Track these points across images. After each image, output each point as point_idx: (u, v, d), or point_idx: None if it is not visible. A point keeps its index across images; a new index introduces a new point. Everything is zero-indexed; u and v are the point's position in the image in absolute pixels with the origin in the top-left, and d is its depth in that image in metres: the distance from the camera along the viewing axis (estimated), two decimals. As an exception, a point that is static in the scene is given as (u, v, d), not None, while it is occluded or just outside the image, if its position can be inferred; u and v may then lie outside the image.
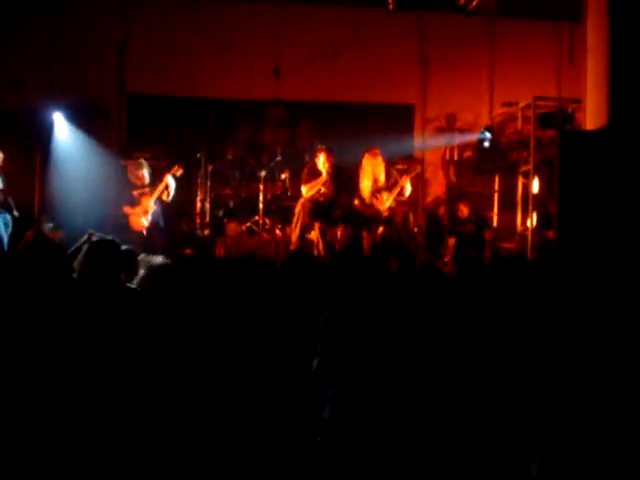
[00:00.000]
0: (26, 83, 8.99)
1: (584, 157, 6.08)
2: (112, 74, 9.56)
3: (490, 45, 9.92)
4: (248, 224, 8.63)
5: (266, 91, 9.76)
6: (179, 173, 7.86)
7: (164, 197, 7.73)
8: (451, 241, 8.65)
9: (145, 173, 7.78)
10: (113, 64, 9.56)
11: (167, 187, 7.70)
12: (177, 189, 7.86)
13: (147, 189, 7.77)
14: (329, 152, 7.86)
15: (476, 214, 8.86)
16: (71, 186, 8.51)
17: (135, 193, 7.76)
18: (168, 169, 7.82)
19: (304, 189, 7.86)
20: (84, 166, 8.65)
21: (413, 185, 8.08)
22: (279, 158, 8.99)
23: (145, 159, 8.19)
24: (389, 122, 9.73)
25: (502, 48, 9.85)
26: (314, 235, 7.69)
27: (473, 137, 9.48)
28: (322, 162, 7.80)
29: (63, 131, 8.85)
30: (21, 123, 8.47)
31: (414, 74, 9.98)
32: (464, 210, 8.71)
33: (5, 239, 7.22)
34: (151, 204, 7.66)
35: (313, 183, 7.82)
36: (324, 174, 7.77)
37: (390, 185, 7.83)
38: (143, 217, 7.63)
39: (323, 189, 7.79)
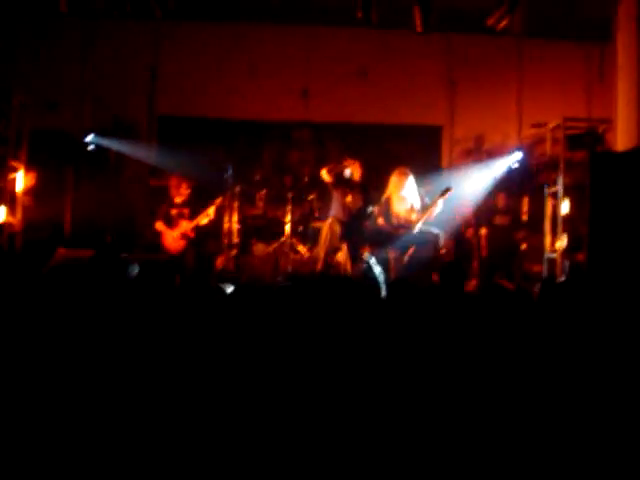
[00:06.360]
0: (59, 104, 9.16)
1: (615, 178, 6.00)
2: (143, 96, 9.72)
3: (519, 66, 9.89)
4: (275, 245, 8.64)
5: (294, 112, 9.83)
6: (222, 204, 8.22)
7: (202, 223, 7.89)
8: (483, 231, 8.62)
9: (186, 192, 7.92)
10: (144, 86, 9.72)
11: (208, 217, 7.87)
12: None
13: (186, 211, 7.88)
14: (355, 160, 7.85)
15: (512, 208, 8.81)
16: (101, 205, 8.64)
17: (173, 212, 7.87)
18: (212, 202, 8.02)
19: (323, 171, 7.82)
20: (114, 186, 8.78)
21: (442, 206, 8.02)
22: (306, 179, 9.02)
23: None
24: (417, 143, 9.72)
25: (531, 69, 9.82)
26: (341, 256, 7.66)
27: (502, 159, 9.41)
28: (350, 164, 7.77)
29: (95, 151, 8.98)
30: (54, 143, 8.63)
31: (442, 95, 9.98)
32: (501, 201, 8.69)
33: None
34: (190, 231, 7.81)
35: (331, 166, 7.78)
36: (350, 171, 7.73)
37: (419, 206, 7.78)
38: (180, 240, 7.75)
39: (352, 200, 7.74)
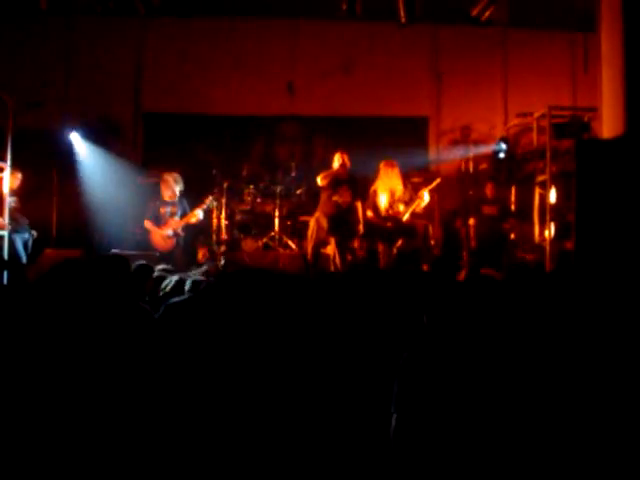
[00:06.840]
0: (43, 103, 9.09)
1: (601, 166, 6.02)
2: (128, 93, 9.67)
3: (504, 56, 9.91)
4: (264, 240, 8.63)
5: (280, 107, 9.81)
6: (212, 203, 8.19)
7: (191, 222, 7.89)
8: (471, 221, 8.67)
9: (177, 190, 7.90)
10: (129, 83, 9.66)
11: (196, 217, 7.85)
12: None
13: (175, 209, 7.87)
14: (342, 152, 7.82)
15: (500, 198, 8.84)
16: (89, 204, 8.59)
17: (162, 211, 7.85)
18: (201, 202, 8.00)
19: (319, 178, 7.79)
20: (102, 184, 8.73)
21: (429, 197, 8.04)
22: (294, 174, 9.00)
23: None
24: (404, 135, 9.72)
25: (516, 59, 9.84)
26: (330, 249, 7.66)
27: (488, 149, 9.46)
28: (337, 160, 7.75)
29: (81, 150, 8.94)
30: (38, 143, 8.55)
31: (428, 86, 9.99)
32: (489, 191, 8.71)
33: (24, 258, 7.27)
34: (179, 230, 7.80)
35: (327, 172, 7.75)
36: (338, 166, 7.71)
37: (407, 198, 7.79)
38: (169, 239, 7.75)
39: (340, 198, 7.72)
